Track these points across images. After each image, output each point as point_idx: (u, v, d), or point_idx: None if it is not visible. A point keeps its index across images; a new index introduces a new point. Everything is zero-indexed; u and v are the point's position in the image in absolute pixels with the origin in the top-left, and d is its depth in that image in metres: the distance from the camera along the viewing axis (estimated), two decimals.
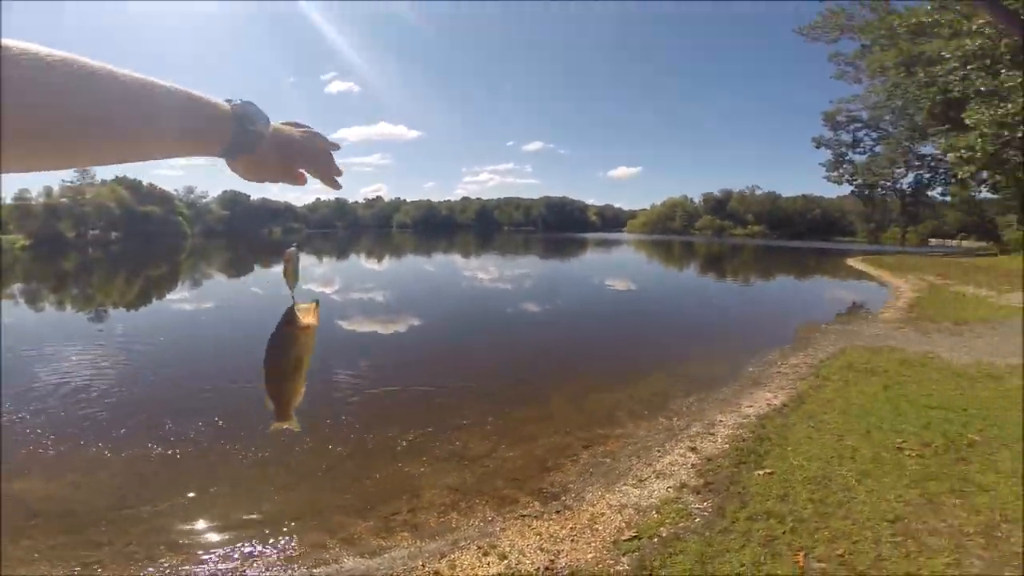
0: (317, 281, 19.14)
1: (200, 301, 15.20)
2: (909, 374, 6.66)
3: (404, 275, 24.80)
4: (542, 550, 3.20)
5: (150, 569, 3.24)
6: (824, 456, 4.29)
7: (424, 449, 4.81)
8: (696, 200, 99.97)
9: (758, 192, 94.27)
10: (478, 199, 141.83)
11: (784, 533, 3.24)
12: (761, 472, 4.08)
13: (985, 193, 34.19)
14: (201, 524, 3.75)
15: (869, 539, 3.11)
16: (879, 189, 38.66)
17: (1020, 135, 14.23)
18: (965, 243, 48.92)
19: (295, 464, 4.60)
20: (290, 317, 0.74)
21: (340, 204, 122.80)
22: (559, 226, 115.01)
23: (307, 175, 0.77)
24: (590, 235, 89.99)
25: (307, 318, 0.74)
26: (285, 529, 3.62)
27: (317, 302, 0.77)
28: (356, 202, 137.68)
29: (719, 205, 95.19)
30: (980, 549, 2.95)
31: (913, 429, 4.76)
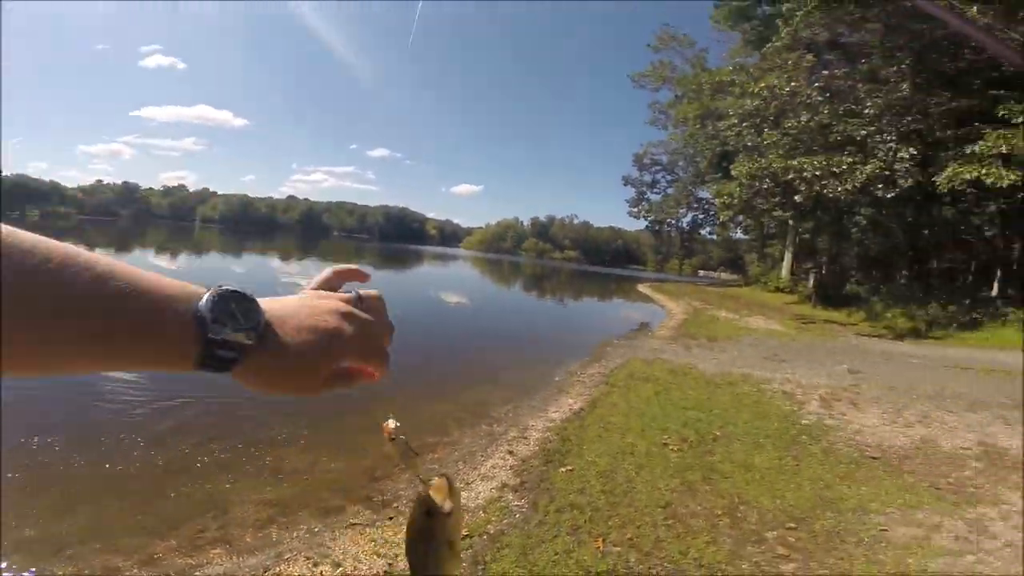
0: None
1: None
2: (674, 381, 7.92)
3: (202, 276, 21.44)
4: (378, 555, 3.18)
5: None
6: (611, 452, 4.93)
7: (229, 465, 4.38)
8: (526, 223, 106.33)
9: (576, 221, 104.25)
10: (306, 199, 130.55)
11: (585, 522, 3.67)
12: (564, 469, 4.56)
13: (740, 234, 41.77)
14: None
15: (648, 523, 3.68)
16: (666, 225, 44.89)
17: (765, 186, 17.37)
18: (724, 275, 59.34)
19: (67, 486, 3.90)
20: (429, 506, 0.59)
21: (128, 188, 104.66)
22: (396, 237, 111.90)
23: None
24: (428, 248, 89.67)
25: (446, 500, 0.60)
26: (68, 553, 3.08)
27: (447, 476, 0.62)
28: (151, 188, 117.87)
29: (543, 229, 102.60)
30: (727, 528, 3.66)
31: (675, 427, 5.72)
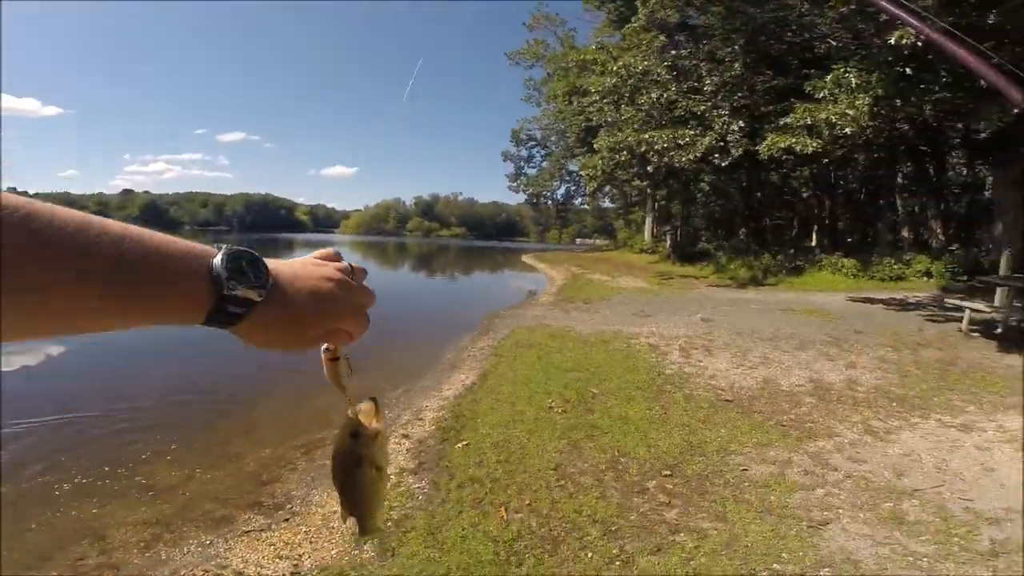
0: None
1: None
2: (554, 345, 8.27)
3: None
4: (281, 558, 3.00)
5: None
6: (503, 422, 5.05)
7: (93, 489, 3.88)
8: (408, 203, 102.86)
9: (460, 198, 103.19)
10: (146, 192, 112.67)
11: (486, 494, 3.75)
12: (460, 445, 4.60)
13: (608, 203, 44.14)
14: None
15: (543, 487, 3.84)
16: (543, 198, 46.11)
17: (623, 159, 18.36)
18: (598, 241, 62.61)
19: None
20: (354, 428, 0.61)
21: None
22: (261, 226, 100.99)
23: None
24: (299, 235, 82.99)
25: (372, 422, 0.63)
26: None
27: (375, 399, 0.64)
28: None
29: (428, 208, 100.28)
30: (613, 481, 3.92)
31: (558, 390, 6.01)
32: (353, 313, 0.54)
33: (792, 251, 19.89)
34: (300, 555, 3.06)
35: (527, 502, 3.63)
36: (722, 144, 16.12)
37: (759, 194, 25.02)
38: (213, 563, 2.99)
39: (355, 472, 0.60)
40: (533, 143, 45.01)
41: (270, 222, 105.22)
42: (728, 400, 5.59)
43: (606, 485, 3.84)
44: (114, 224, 0.40)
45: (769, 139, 14.25)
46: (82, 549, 3.18)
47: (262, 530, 3.37)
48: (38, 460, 4.29)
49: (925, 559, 2.87)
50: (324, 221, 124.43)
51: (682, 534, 3.20)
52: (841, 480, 3.83)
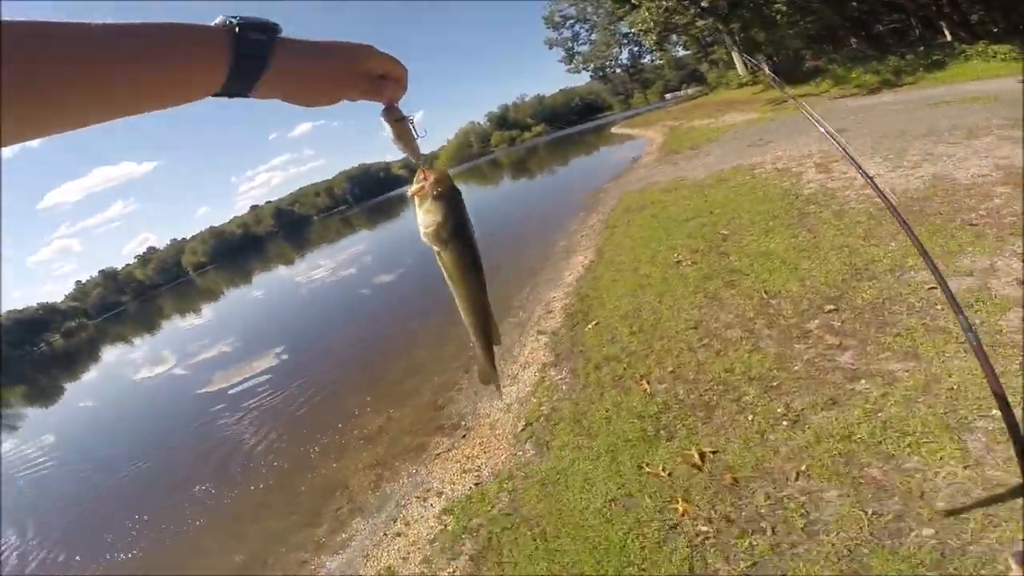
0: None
1: None
2: (668, 199, 7.23)
3: (235, 315, 18.61)
4: (466, 471, 3.10)
5: None
6: (629, 291, 4.47)
7: (331, 450, 4.37)
8: (482, 122, 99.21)
9: (527, 99, 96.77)
10: (269, 203, 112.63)
11: (625, 370, 3.34)
12: (590, 326, 4.17)
13: (682, 50, 38.07)
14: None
15: (685, 349, 3.30)
16: (608, 68, 41.24)
17: (673, 3, 15.23)
18: (689, 91, 54.96)
19: (235, 514, 4.09)
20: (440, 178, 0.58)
21: (109, 276, 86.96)
22: (371, 193, 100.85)
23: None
24: (405, 189, 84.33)
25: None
26: (271, 561, 3.27)
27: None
28: (128, 265, 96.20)
29: (502, 119, 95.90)
30: (765, 328, 3.20)
31: (682, 241, 5.20)
32: (378, 53, 0.51)
33: (923, 48, 15.10)
34: (479, 466, 3.09)
35: (669, 370, 3.13)
36: None
37: (854, 2, 19.30)
38: (420, 489, 3.17)
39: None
40: (572, 21, 39.62)
41: (376, 187, 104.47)
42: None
43: (758, 335, 3.14)
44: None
45: None
46: (338, 501, 3.57)
47: (448, 450, 3.47)
48: (290, 440, 4.92)
49: None
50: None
51: (862, 381, 2.44)
52: None
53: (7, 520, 5.57)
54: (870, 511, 1.83)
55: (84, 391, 15.23)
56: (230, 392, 7.31)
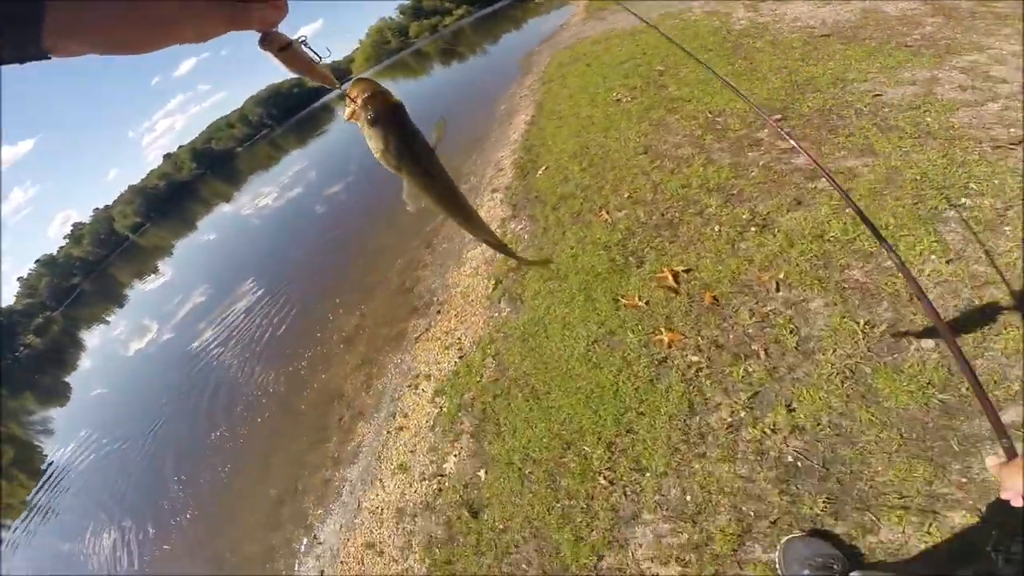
0: None
1: None
2: (599, 49, 6.53)
3: (196, 260, 16.87)
4: (448, 347, 2.87)
5: None
6: (574, 132, 4.09)
7: (318, 361, 4.05)
8: (395, 17, 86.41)
9: None
10: (182, 147, 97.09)
11: (582, 204, 3.08)
12: (540, 172, 3.81)
13: None
14: (259, 540, 3.07)
15: (639, 173, 2.99)
16: None
17: None
18: None
19: (253, 450, 3.85)
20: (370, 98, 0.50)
21: (48, 264, 73.41)
22: (290, 111, 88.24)
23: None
24: (327, 97, 73.68)
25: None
26: (299, 488, 3.08)
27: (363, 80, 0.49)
28: (62, 247, 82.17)
29: (418, 9, 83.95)
30: (715, 143, 2.91)
31: (619, 82, 4.65)
32: None
33: None
34: (459, 338, 2.84)
35: (626, 196, 2.83)
36: None
37: None
38: (409, 376, 2.91)
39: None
40: None
41: (294, 103, 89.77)
42: (826, 35, 3.93)
43: (709, 149, 2.85)
44: None
45: None
46: (338, 410, 3.29)
47: (426, 330, 3.19)
48: (273, 361, 4.66)
49: None
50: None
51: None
52: (1016, 92, 2.41)
53: (94, 510, 4.98)
54: (862, 321, 1.60)
55: (89, 380, 13.57)
56: (219, 337, 6.61)
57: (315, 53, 0.46)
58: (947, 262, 1.66)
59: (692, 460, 1.54)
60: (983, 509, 1.16)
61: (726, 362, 1.74)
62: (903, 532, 1.20)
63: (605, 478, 1.64)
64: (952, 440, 1.28)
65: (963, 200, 1.86)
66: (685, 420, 1.65)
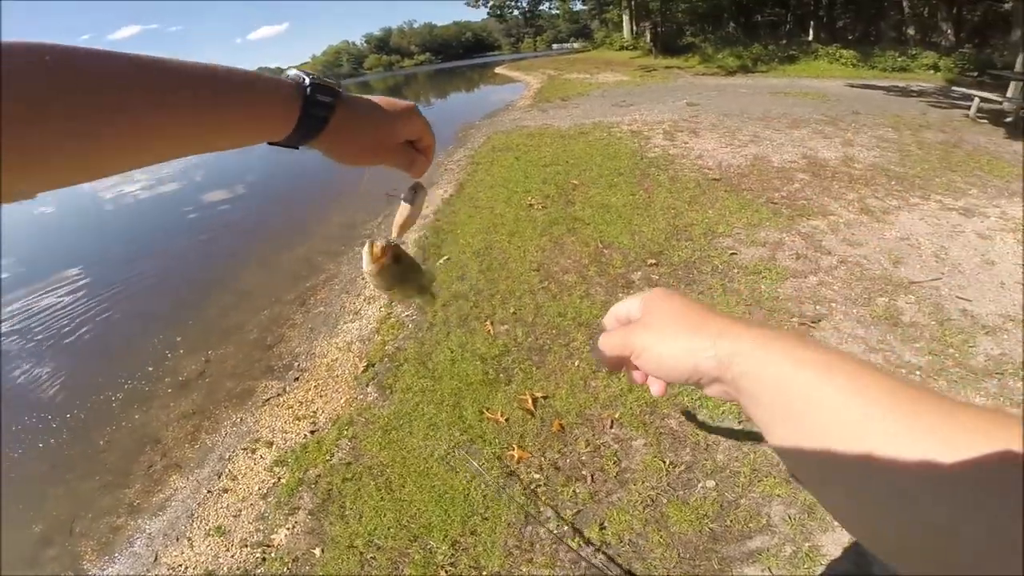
0: None
1: None
2: (532, 144, 7.16)
3: (16, 230, 13.32)
4: (300, 418, 2.75)
5: None
6: (483, 229, 4.36)
7: (136, 398, 3.49)
8: (359, 43, 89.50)
9: (416, 25, 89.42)
10: None
11: (471, 308, 3.22)
12: (441, 261, 3.96)
13: (580, 4, 38.23)
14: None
15: (527, 291, 3.25)
16: (507, 9, 39.88)
17: None
18: (576, 44, 55.47)
19: (29, 476, 3.08)
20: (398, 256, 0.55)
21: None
22: None
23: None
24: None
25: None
26: (77, 530, 2.59)
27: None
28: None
29: (383, 43, 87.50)
30: (596, 276, 3.28)
31: (537, 186, 5.14)
32: (418, 116, 0.51)
33: (785, 42, 16.82)
34: (315, 412, 2.76)
35: (512, 311, 3.08)
36: None
37: None
38: (247, 439, 2.73)
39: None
40: None
41: None
42: (716, 179, 4.72)
43: (590, 282, 3.23)
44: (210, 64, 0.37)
45: None
46: (148, 457, 2.94)
47: (279, 395, 3.04)
48: (82, 390, 3.72)
49: (918, 372, 2.29)
50: None
51: None
52: (835, 266, 3.14)
53: None
54: (667, 461, 1.98)
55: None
56: (15, 327, 5.20)
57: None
58: (739, 423, 2.13)
59: (522, 563, 1.76)
60: None
61: (560, 482, 2.02)
62: None
63: (446, 572, 1.78)
64: (714, 560, 1.67)
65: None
66: (521, 528, 1.88)
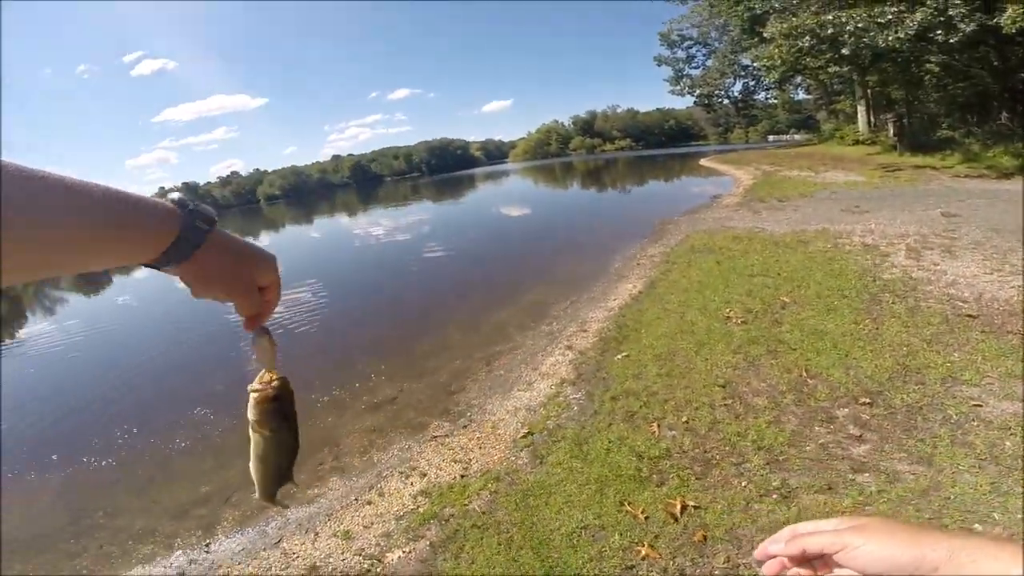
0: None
1: None
2: (738, 248, 7.10)
3: (287, 247, 20.09)
4: (456, 461, 3.27)
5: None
6: (670, 333, 4.53)
7: (337, 404, 4.63)
8: (567, 123, 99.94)
9: (619, 110, 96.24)
10: (350, 156, 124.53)
11: (640, 407, 3.43)
12: (620, 356, 4.26)
13: (802, 94, 36.67)
14: (160, 515, 3.53)
15: (706, 404, 3.34)
16: (716, 97, 40.19)
17: (808, 44, 14.97)
18: (796, 136, 52.82)
19: (220, 445, 4.28)
20: (281, 393, 0.68)
21: (191, 188, 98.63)
22: (444, 167, 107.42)
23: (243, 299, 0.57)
24: (477, 170, 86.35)
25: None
26: (232, 500, 3.47)
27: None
28: (209, 183, 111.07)
29: (587, 125, 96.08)
30: (792, 405, 3.20)
31: (738, 297, 5.14)
32: (275, 268, 0.57)
33: None
34: (470, 459, 3.26)
35: (684, 419, 3.19)
36: (942, 19, 11.98)
37: (1021, 74, 17.66)
38: (407, 465, 3.36)
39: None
40: (690, 42, 38.75)
41: (451, 162, 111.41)
42: (972, 315, 4.04)
43: (783, 409, 3.15)
44: (74, 178, 0.42)
45: (1011, 10, 10.32)
46: (323, 456, 3.82)
47: (446, 435, 3.66)
48: (304, 387, 5.02)
49: None
50: (495, 154, 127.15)
51: (867, 474, 2.47)
52: None
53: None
54: None
55: (127, 288, 15.72)
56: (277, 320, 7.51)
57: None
58: None
59: None
60: None
61: None
62: None
63: None
64: None
65: (976, 525, 2.10)
66: None
